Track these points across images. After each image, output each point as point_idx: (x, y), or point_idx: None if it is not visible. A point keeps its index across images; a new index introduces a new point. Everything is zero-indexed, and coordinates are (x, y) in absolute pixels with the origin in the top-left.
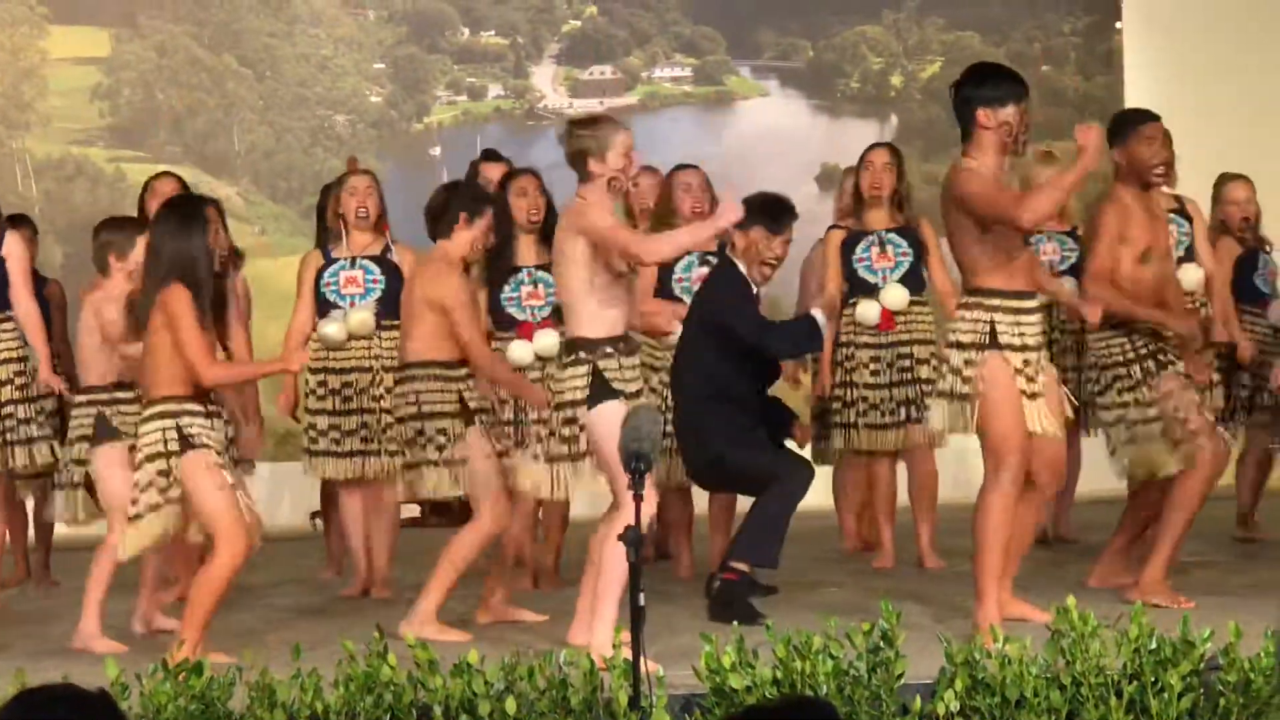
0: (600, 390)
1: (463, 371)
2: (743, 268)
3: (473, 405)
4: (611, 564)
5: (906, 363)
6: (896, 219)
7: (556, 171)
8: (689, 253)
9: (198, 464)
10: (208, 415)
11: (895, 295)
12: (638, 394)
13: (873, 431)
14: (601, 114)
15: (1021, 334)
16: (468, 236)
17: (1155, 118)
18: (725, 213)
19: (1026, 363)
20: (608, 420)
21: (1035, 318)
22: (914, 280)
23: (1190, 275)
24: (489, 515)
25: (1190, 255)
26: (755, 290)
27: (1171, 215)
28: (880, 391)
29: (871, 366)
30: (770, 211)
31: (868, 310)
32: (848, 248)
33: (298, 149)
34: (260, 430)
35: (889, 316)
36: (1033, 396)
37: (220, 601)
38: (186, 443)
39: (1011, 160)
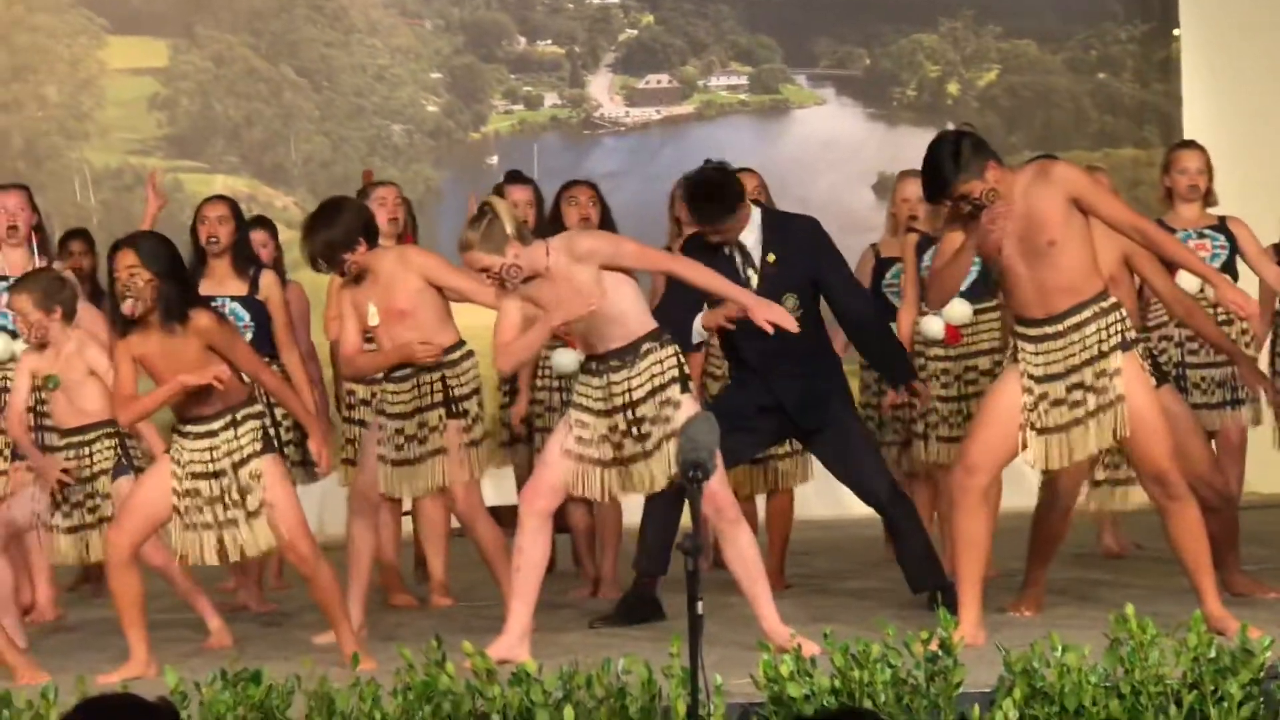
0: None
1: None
2: None
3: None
4: (747, 564)
5: (973, 375)
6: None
7: (613, 180)
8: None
9: None
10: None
11: (959, 311)
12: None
13: (944, 444)
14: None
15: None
16: None
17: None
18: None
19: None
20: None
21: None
22: (978, 291)
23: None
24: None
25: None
26: None
27: (1207, 230)
28: (950, 404)
29: (942, 379)
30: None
31: (931, 326)
32: (919, 252)
33: (355, 159)
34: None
35: (954, 330)
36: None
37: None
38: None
39: None
